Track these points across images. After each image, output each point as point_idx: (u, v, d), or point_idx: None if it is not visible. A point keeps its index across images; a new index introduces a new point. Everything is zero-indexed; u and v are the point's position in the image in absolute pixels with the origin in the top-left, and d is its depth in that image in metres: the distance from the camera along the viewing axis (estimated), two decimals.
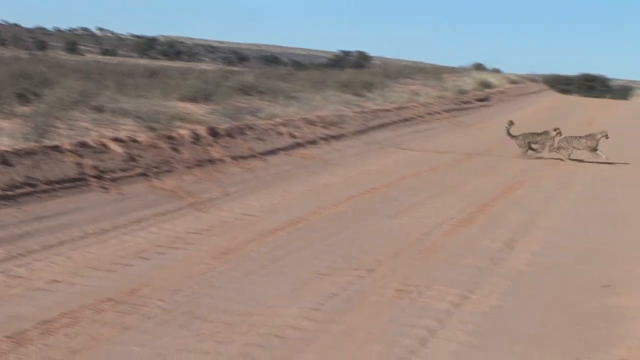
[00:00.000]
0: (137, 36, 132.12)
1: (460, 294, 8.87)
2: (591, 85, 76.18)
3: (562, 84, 74.10)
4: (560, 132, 20.98)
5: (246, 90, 21.84)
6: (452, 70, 48.40)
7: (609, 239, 12.22)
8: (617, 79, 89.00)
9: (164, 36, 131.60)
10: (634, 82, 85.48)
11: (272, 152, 17.04)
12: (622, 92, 73.23)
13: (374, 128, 22.88)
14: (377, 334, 7.48)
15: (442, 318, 8.03)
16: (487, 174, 17.63)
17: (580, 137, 21.10)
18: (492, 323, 8.05)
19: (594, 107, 44.31)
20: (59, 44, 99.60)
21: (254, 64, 54.80)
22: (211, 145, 15.57)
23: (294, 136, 18.44)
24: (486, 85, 42.23)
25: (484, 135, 26.25)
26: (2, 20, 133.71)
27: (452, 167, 18.24)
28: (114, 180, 12.80)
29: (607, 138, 20.79)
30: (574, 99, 53.76)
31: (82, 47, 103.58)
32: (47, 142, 12.80)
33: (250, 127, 17.17)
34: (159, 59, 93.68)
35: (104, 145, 13.44)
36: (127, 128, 15.45)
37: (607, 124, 32.45)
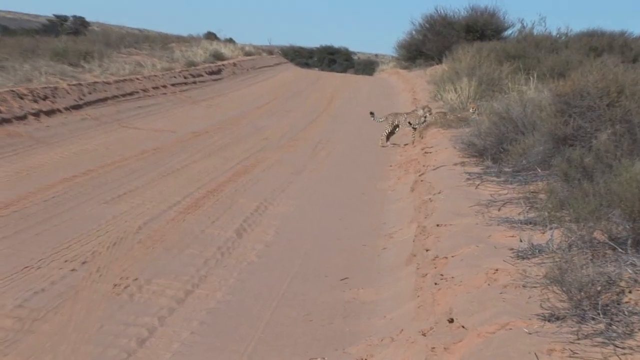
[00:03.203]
0: None
1: (184, 288, 8.99)
2: (333, 59, 78.24)
3: (303, 57, 75.75)
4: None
5: None
6: (181, 40, 48.36)
7: (346, 227, 12.61)
8: (360, 52, 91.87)
9: None
10: (379, 56, 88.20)
11: None
12: (367, 66, 75.46)
13: (91, 103, 22.62)
14: (91, 334, 7.50)
15: (163, 315, 8.13)
16: (217, 155, 17.79)
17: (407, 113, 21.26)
18: (219, 320, 8.21)
19: (336, 83, 45.29)
20: None
21: None
22: None
23: None
24: (218, 56, 42.47)
25: (214, 112, 26.44)
26: None
27: (178, 147, 18.29)
28: None
29: (430, 114, 20.94)
30: (315, 74, 54.89)
31: None
32: None
33: None
34: None
35: None
36: None
37: (348, 102, 33.46)
